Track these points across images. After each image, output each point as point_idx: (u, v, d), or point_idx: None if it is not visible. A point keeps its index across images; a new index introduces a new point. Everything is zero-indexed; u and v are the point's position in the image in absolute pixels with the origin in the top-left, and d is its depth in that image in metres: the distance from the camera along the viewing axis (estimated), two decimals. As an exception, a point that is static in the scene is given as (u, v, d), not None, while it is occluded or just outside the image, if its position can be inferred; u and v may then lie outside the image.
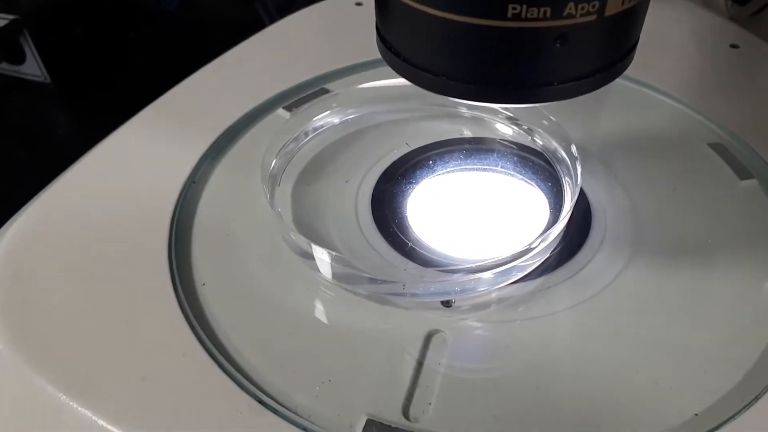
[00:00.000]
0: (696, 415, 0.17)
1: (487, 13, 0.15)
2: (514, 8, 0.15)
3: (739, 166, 0.26)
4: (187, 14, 0.57)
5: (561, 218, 0.22)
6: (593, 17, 0.15)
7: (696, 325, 0.20)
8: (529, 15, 0.15)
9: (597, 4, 0.15)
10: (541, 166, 0.26)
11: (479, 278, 0.21)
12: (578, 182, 0.23)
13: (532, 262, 0.21)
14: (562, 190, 0.24)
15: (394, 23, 0.17)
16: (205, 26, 0.57)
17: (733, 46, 0.34)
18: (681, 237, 0.23)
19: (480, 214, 0.24)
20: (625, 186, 0.25)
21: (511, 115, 0.28)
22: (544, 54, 0.16)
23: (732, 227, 0.23)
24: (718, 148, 0.26)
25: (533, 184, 0.25)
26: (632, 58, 0.18)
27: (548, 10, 0.15)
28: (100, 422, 0.17)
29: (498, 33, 0.15)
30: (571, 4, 0.15)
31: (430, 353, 0.19)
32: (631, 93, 0.30)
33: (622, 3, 0.16)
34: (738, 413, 0.17)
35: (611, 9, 0.15)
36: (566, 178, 0.24)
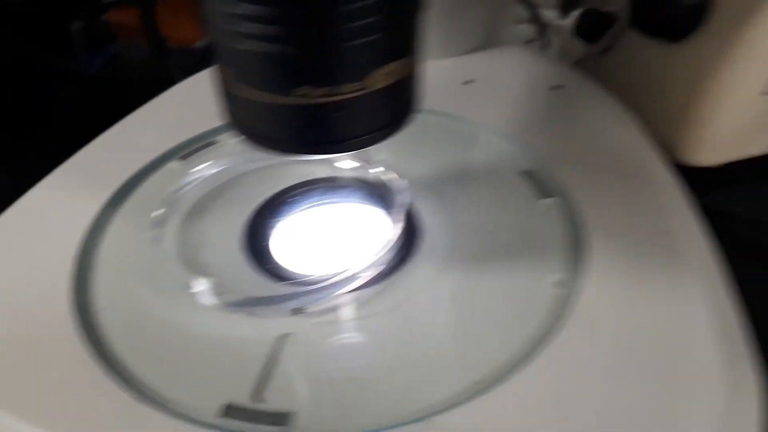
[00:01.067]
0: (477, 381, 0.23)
1: (283, 93, 0.21)
2: (301, 90, 0.21)
3: (541, 187, 0.32)
4: (108, 74, 0.62)
5: (390, 237, 0.28)
6: (363, 92, 0.21)
7: (488, 313, 0.26)
8: (314, 94, 0.21)
9: (361, 84, 0.21)
10: (380, 195, 0.32)
11: (323, 288, 0.26)
12: (407, 207, 0.29)
13: (368, 273, 0.27)
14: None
15: (227, 98, 0.23)
16: (126, 85, 0.62)
17: (557, 87, 0.41)
18: (488, 247, 0.29)
19: (331, 238, 0.30)
20: (447, 207, 0.31)
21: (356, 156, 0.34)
22: (329, 119, 0.22)
23: (529, 237, 0.30)
24: (526, 174, 0.33)
25: (376, 209, 0.31)
26: (411, 116, 0.24)
27: (328, 89, 0.21)
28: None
29: (293, 108, 0.21)
30: (343, 86, 0.21)
31: (283, 351, 0.25)
32: (461, 130, 0.36)
33: (383, 81, 0.22)
34: (510, 373, 0.23)
35: (373, 86, 0.21)
36: (397, 204, 0.30)
